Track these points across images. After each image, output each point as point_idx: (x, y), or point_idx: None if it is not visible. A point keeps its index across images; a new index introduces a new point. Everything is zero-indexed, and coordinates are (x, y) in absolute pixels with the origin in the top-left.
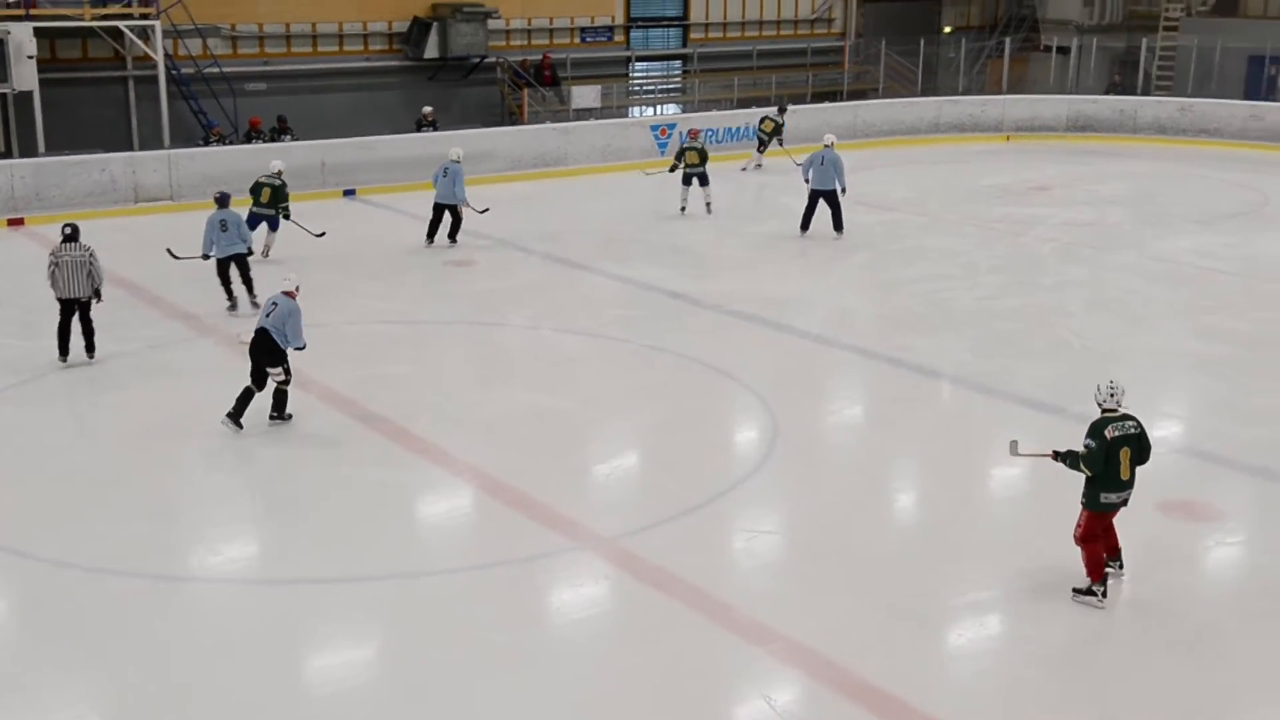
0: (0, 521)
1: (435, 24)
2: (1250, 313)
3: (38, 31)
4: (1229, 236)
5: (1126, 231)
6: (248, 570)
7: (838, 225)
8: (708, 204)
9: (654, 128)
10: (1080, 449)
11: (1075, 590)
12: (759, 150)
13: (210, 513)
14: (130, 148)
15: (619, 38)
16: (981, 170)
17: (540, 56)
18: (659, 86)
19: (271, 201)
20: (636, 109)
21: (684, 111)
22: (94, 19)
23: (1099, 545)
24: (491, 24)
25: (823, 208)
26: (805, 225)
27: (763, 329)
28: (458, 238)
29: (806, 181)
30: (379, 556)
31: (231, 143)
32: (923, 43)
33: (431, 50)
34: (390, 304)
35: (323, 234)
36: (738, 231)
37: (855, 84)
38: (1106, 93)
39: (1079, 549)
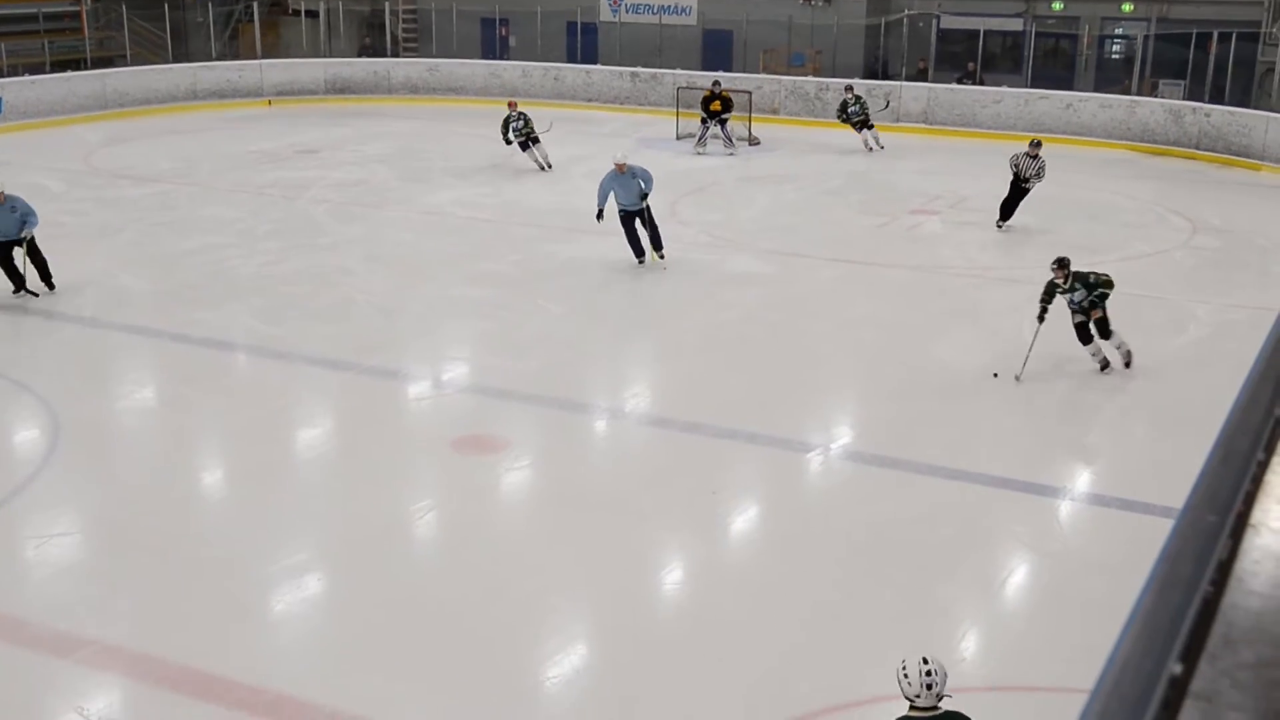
0: None
1: None
2: (508, 256)
3: None
4: (484, 187)
5: (394, 188)
6: None
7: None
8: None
9: None
10: None
11: None
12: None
13: None
14: None
15: None
16: (247, 136)
17: None
18: None
19: None
20: None
21: None
22: None
23: None
24: None
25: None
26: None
27: (27, 319)
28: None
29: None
30: None
31: None
32: (167, 7)
33: None
34: None
35: None
36: None
37: (99, 51)
38: (359, 55)
39: None
